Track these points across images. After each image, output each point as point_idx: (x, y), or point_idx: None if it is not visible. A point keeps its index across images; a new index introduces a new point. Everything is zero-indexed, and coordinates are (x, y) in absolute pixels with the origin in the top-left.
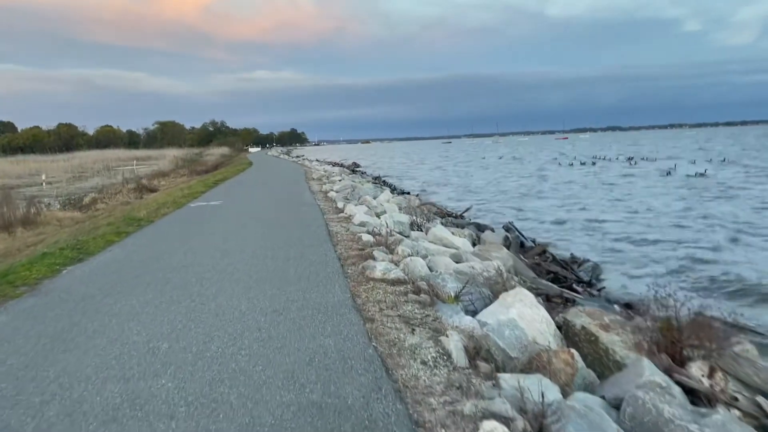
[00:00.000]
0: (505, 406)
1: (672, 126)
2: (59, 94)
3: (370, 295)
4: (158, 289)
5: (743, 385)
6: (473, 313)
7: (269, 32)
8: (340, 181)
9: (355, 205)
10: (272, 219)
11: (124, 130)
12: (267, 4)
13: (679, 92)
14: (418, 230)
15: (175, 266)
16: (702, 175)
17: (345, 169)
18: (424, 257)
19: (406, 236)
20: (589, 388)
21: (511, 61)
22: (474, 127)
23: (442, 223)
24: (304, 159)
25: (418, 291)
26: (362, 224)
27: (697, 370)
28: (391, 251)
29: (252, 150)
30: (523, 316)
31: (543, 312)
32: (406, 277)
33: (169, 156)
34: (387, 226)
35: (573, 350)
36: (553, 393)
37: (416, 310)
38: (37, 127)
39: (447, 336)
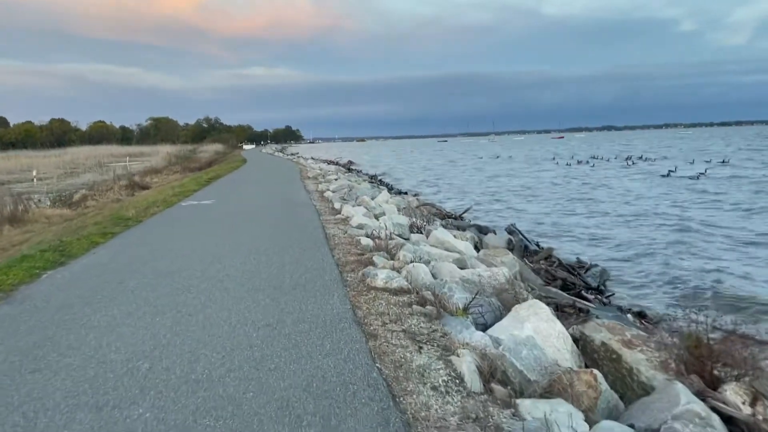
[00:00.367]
0: None
1: (667, 126)
2: (52, 89)
3: (372, 307)
4: (142, 298)
5: None
6: (483, 327)
7: (265, 29)
8: (336, 180)
9: (353, 206)
10: (266, 220)
11: (117, 126)
12: (263, 0)
13: (674, 92)
14: (418, 233)
15: (161, 272)
16: (702, 174)
17: (341, 168)
18: (427, 263)
19: (405, 239)
20: (613, 414)
21: (507, 60)
22: (469, 125)
23: (442, 225)
24: (299, 157)
25: (423, 302)
26: (360, 226)
27: (732, 394)
28: (392, 256)
29: (246, 147)
30: (538, 331)
31: (559, 326)
32: (409, 286)
33: (162, 152)
34: (386, 229)
35: (596, 371)
36: (579, 424)
37: (422, 324)
38: (30, 122)
39: (458, 356)
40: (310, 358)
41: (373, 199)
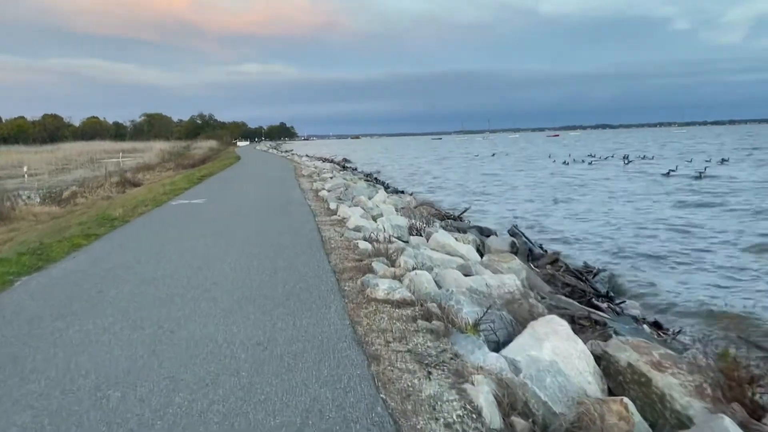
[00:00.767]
0: None
1: (661, 124)
2: (45, 84)
3: (373, 322)
4: (121, 310)
5: None
6: (495, 345)
7: (259, 25)
8: (331, 178)
9: (349, 206)
10: (259, 221)
11: (110, 121)
12: None
13: (668, 91)
14: (417, 235)
15: (144, 279)
16: (703, 174)
17: (336, 166)
18: (429, 269)
19: (404, 242)
20: None
21: (502, 58)
22: (464, 123)
23: (442, 227)
24: (293, 154)
25: (428, 316)
26: (358, 229)
27: None
28: (392, 262)
29: (240, 144)
30: (558, 351)
31: (581, 345)
32: (413, 298)
33: (155, 149)
34: (384, 231)
35: (626, 399)
36: None
37: (429, 343)
38: (22, 117)
39: (473, 384)
40: (305, 388)
41: (370, 198)
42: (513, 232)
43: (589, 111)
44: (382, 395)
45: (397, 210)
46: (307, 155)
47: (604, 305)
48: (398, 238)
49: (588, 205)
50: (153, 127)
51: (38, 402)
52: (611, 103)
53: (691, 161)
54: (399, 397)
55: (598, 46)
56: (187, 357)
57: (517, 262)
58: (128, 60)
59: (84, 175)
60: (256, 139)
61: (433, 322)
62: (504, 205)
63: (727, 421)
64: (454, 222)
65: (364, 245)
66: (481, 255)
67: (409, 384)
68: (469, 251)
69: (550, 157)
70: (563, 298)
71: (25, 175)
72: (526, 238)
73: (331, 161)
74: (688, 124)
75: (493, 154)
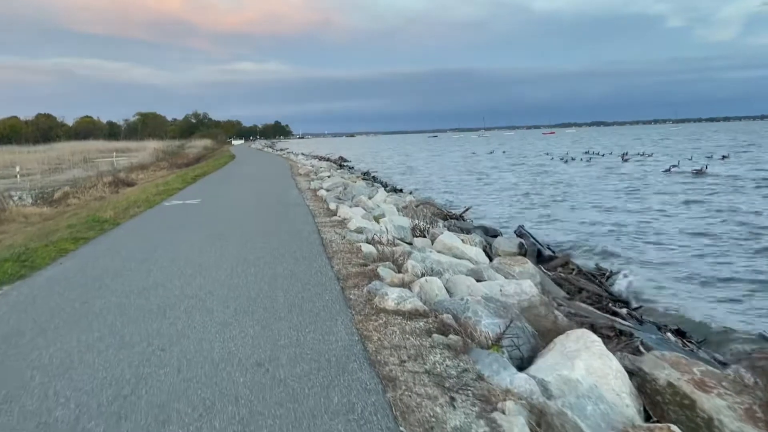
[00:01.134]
0: None
1: (656, 121)
2: (38, 83)
3: (384, 337)
4: (108, 324)
5: None
6: (519, 361)
7: (254, 23)
8: (329, 177)
9: (350, 206)
10: (256, 223)
11: (104, 121)
12: None
13: (663, 88)
14: (421, 236)
15: (134, 288)
16: (704, 171)
17: (332, 164)
18: (439, 274)
19: (408, 243)
20: None
21: (497, 56)
22: (459, 121)
23: (446, 228)
24: (288, 153)
25: (444, 329)
26: (360, 230)
27: None
28: (399, 267)
29: (235, 143)
30: (592, 370)
31: (615, 364)
32: (425, 308)
33: (149, 148)
34: (388, 233)
35: (673, 427)
36: None
37: (448, 362)
38: (15, 117)
39: (504, 412)
40: (313, 420)
41: (370, 198)
42: (520, 233)
43: (584, 108)
44: (402, 429)
45: (398, 210)
46: (303, 153)
47: (623, 311)
48: (401, 239)
49: (593, 204)
50: (147, 126)
51: None
52: (606, 101)
53: (691, 158)
54: (421, 429)
55: (592, 44)
56: (178, 381)
57: (530, 266)
58: (122, 59)
59: (77, 175)
60: (251, 138)
61: (450, 336)
62: (506, 205)
63: None
64: (458, 222)
65: (367, 248)
66: (490, 257)
67: (431, 413)
68: (477, 254)
69: (548, 154)
70: (582, 305)
71: (18, 176)
72: (534, 238)
73: (328, 159)
74: (682, 121)
75: (491, 152)
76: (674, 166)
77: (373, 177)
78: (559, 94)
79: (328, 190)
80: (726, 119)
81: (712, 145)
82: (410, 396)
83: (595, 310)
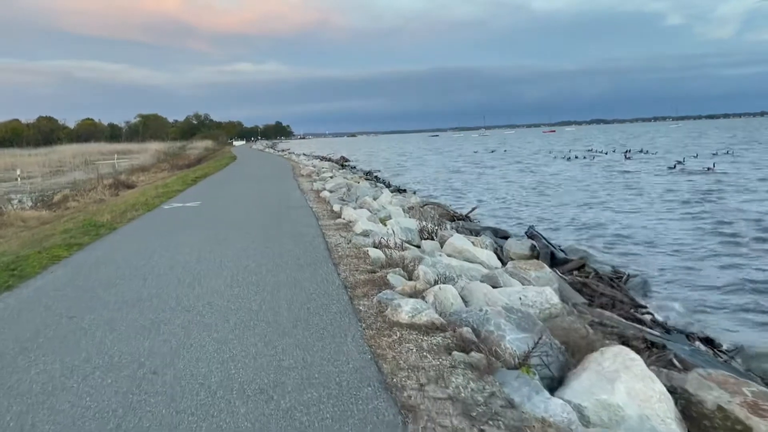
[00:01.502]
0: None
1: (655, 119)
2: (39, 86)
3: (400, 356)
4: (96, 342)
5: None
6: (550, 382)
7: (252, 24)
8: (331, 178)
9: (354, 208)
10: (257, 226)
11: (105, 123)
12: None
13: (662, 85)
14: (429, 239)
15: (127, 300)
16: (710, 169)
17: (334, 164)
18: (452, 281)
19: (416, 246)
20: None
21: (496, 55)
22: (460, 120)
23: (454, 229)
24: (290, 153)
25: (464, 346)
26: (366, 233)
27: None
28: (410, 274)
29: (236, 144)
30: (634, 393)
31: (659, 386)
32: (442, 321)
33: (151, 150)
34: (395, 235)
35: None
36: None
37: (472, 384)
38: (17, 120)
39: None
40: None
41: (375, 199)
42: (531, 234)
43: (584, 106)
44: None
45: (405, 211)
46: (304, 154)
47: (647, 317)
48: (409, 242)
49: (600, 203)
50: (148, 128)
51: None
52: (605, 99)
53: (696, 156)
54: None
55: (591, 42)
56: (171, 413)
57: (547, 271)
58: (122, 61)
59: (78, 177)
60: (252, 139)
61: (472, 354)
62: (513, 205)
63: None
64: (466, 224)
65: (374, 253)
66: (501, 261)
67: None
68: (489, 257)
69: (550, 152)
70: (606, 313)
71: (18, 179)
72: (546, 240)
73: (329, 160)
74: (682, 118)
75: (492, 151)
76: (679, 163)
77: (376, 177)
78: (559, 93)
79: (331, 192)
80: (725, 116)
81: (713, 142)
82: (434, 429)
83: (621, 319)
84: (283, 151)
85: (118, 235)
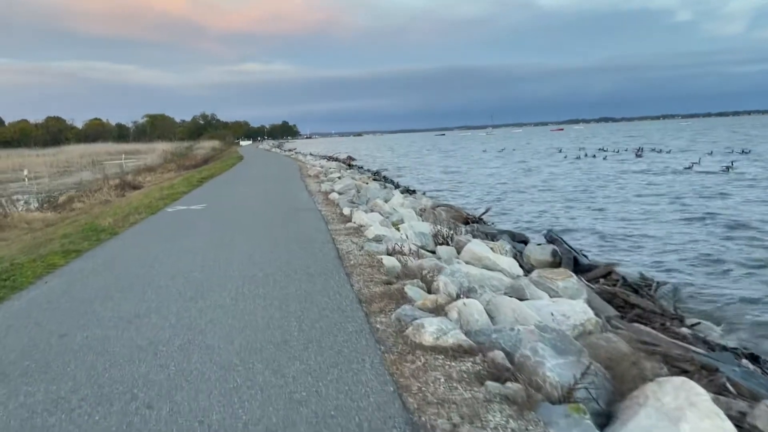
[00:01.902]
0: None
1: (664, 117)
2: (48, 86)
3: (426, 387)
4: (86, 367)
5: None
6: (598, 418)
7: (259, 24)
8: (340, 178)
9: (365, 211)
10: (264, 231)
11: (113, 123)
12: None
13: (670, 83)
14: (444, 244)
15: (124, 315)
16: (729, 168)
17: (342, 164)
18: (472, 292)
19: (431, 252)
20: None
21: (503, 53)
22: (466, 119)
23: (469, 233)
24: (296, 153)
25: (498, 373)
26: (378, 239)
27: None
28: (429, 285)
29: (243, 143)
30: None
31: (728, 424)
32: (470, 343)
33: (158, 150)
34: (409, 241)
35: None
36: None
37: (513, 424)
38: (25, 120)
39: None
40: None
41: (386, 201)
42: (551, 238)
43: (591, 104)
44: None
45: (417, 214)
46: (311, 154)
47: (686, 332)
48: (423, 247)
49: (616, 204)
50: (156, 128)
51: None
52: (613, 96)
53: (711, 153)
54: None
55: (598, 39)
56: None
57: (575, 280)
58: (130, 61)
59: (86, 177)
60: (259, 139)
61: (508, 384)
62: (530, 206)
63: None
64: (481, 227)
65: (389, 261)
66: (522, 268)
67: None
68: (511, 265)
69: (560, 152)
70: (644, 328)
71: (26, 179)
72: (568, 244)
73: (336, 159)
74: (691, 115)
75: (502, 150)
76: (695, 163)
77: (384, 177)
78: (566, 91)
79: (340, 193)
80: (735, 113)
81: (726, 141)
82: None
83: (662, 335)
84: (289, 150)
85: (119, 241)
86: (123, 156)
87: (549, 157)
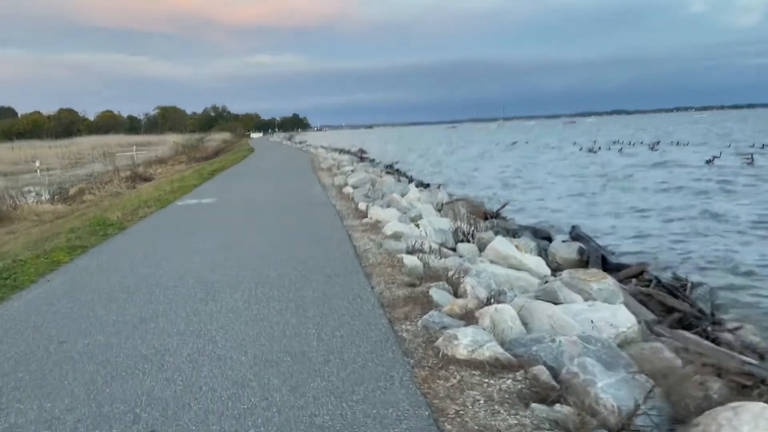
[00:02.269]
0: None
1: (678, 109)
2: (60, 78)
3: (465, 410)
4: (85, 381)
5: None
6: None
7: (270, 16)
8: (353, 172)
9: (381, 206)
10: (277, 227)
11: (125, 115)
12: None
13: (684, 75)
14: (465, 241)
15: (129, 320)
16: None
17: (354, 157)
18: (502, 294)
19: (451, 249)
20: None
21: (515, 45)
22: (478, 111)
23: (490, 230)
24: (308, 145)
25: (543, 393)
26: (397, 236)
27: None
28: (455, 287)
29: (254, 136)
30: None
31: None
32: (508, 356)
33: (169, 142)
34: (429, 238)
35: None
36: None
37: None
38: (38, 112)
39: None
40: None
41: (403, 196)
42: (577, 235)
43: (604, 97)
44: None
45: (435, 209)
46: (322, 146)
47: (730, 337)
48: (442, 245)
49: (637, 201)
50: (167, 120)
51: None
52: (626, 89)
53: (729, 146)
54: None
55: (611, 31)
56: None
57: (610, 282)
58: (142, 53)
59: (97, 169)
60: (270, 131)
61: (556, 407)
62: (550, 200)
63: None
64: (500, 222)
65: (410, 261)
66: (549, 267)
67: None
68: (538, 264)
69: (575, 144)
70: (688, 335)
71: (38, 171)
72: (595, 242)
73: (348, 152)
74: (705, 108)
75: (514, 143)
76: (716, 157)
77: (397, 170)
78: (579, 83)
79: (355, 187)
80: (750, 106)
81: (742, 135)
82: None
83: (708, 343)
84: (300, 143)
85: (127, 236)
86: (134, 148)
87: (559, 151)
